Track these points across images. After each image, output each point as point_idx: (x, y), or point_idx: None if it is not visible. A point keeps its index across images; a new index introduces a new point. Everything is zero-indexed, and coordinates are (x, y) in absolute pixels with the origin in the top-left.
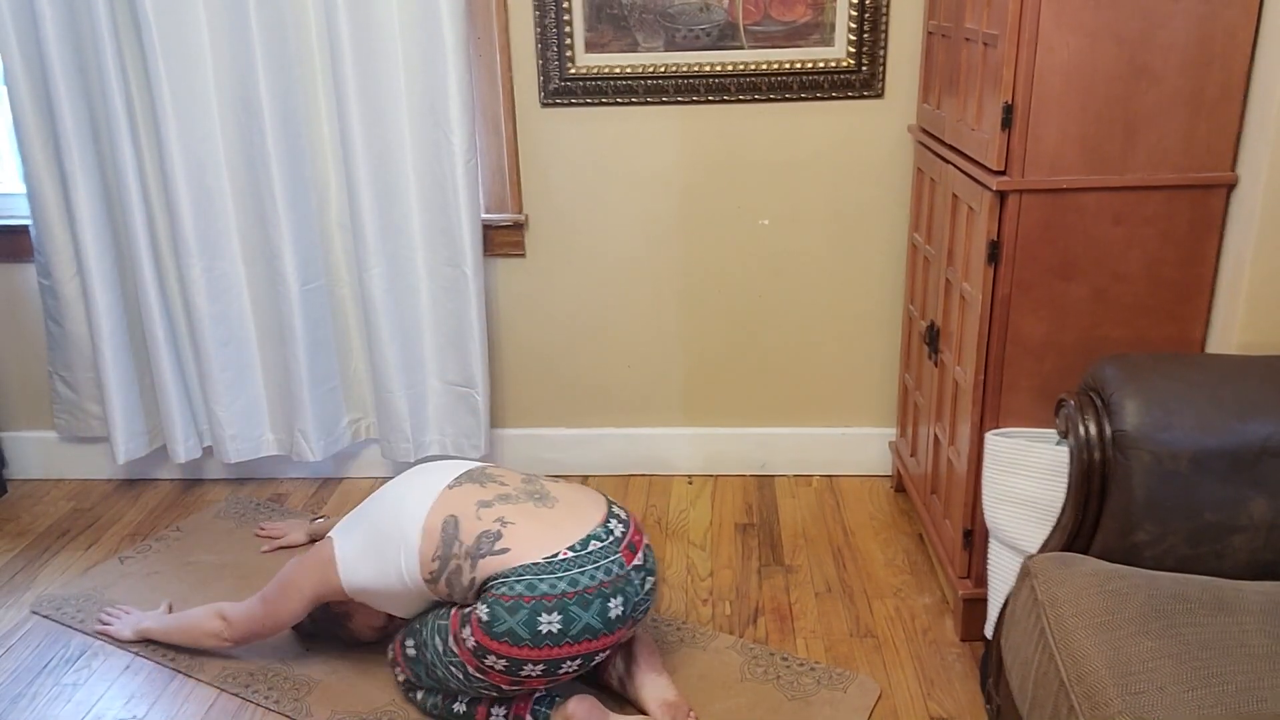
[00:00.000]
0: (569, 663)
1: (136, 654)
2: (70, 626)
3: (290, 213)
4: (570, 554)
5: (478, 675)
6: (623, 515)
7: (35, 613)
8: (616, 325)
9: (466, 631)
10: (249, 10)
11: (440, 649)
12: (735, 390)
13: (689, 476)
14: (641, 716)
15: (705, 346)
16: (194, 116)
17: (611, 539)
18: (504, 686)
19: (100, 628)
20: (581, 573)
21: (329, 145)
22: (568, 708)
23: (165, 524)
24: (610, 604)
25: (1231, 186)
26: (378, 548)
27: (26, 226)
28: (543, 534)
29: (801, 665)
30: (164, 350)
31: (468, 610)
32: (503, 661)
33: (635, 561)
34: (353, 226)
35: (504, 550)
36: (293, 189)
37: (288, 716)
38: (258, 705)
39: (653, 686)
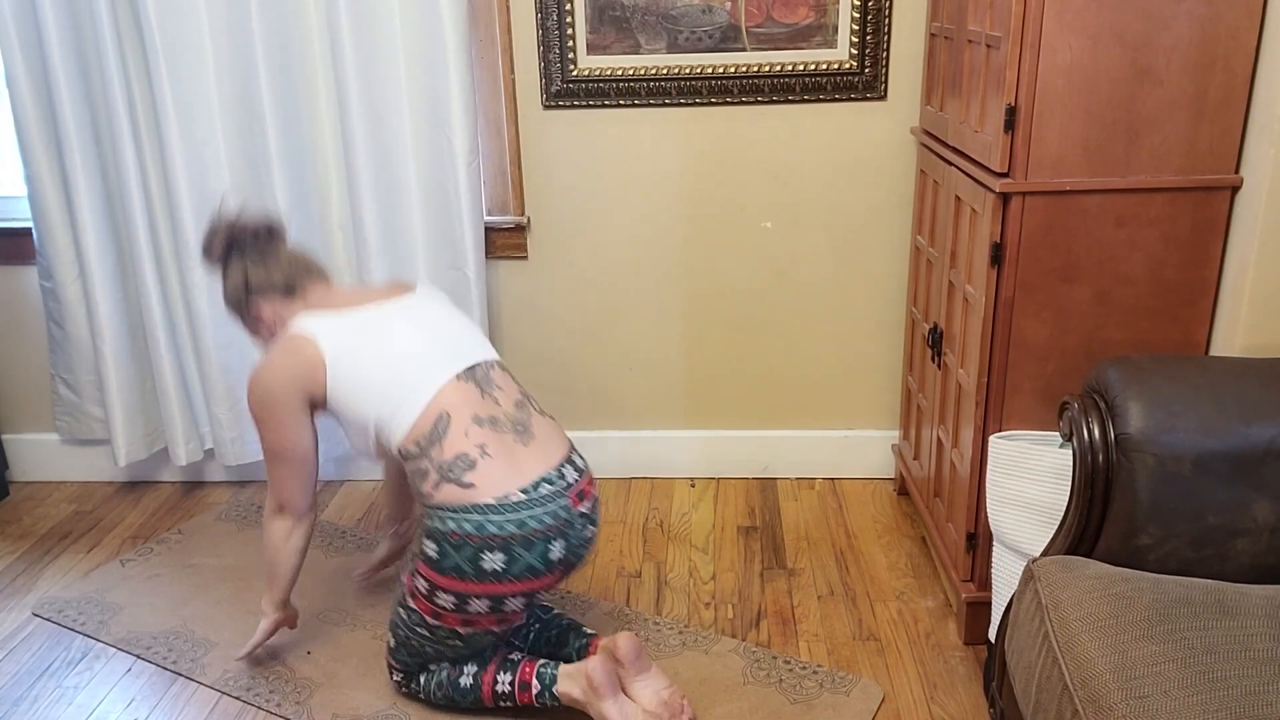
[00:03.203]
0: (512, 599)
1: (138, 657)
2: (72, 629)
3: (292, 215)
4: (522, 496)
5: (435, 623)
6: (579, 463)
7: (37, 615)
8: (619, 328)
9: (419, 580)
10: (250, 12)
11: (405, 617)
12: (737, 393)
13: (691, 479)
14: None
15: (707, 349)
16: (195, 119)
17: (563, 483)
18: (460, 630)
19: (247, 652)
20: (530, 516)
21: (330, 147)
22: (588, 666)
23: (167, 526)
24: (552, 546)
25: (1235, 189)
26: (374, 379)
27: (28, 229)
28: (506, 473)
29: (804, 668)
30: (165, 352)
31: (415, 560)
32: (451, 597)
33: (581, 508)
34: (354, 229)
35: (469, 485)
36: (294, 191)
37: (289, 719)
38: (259, 708)
39: (644, 686)
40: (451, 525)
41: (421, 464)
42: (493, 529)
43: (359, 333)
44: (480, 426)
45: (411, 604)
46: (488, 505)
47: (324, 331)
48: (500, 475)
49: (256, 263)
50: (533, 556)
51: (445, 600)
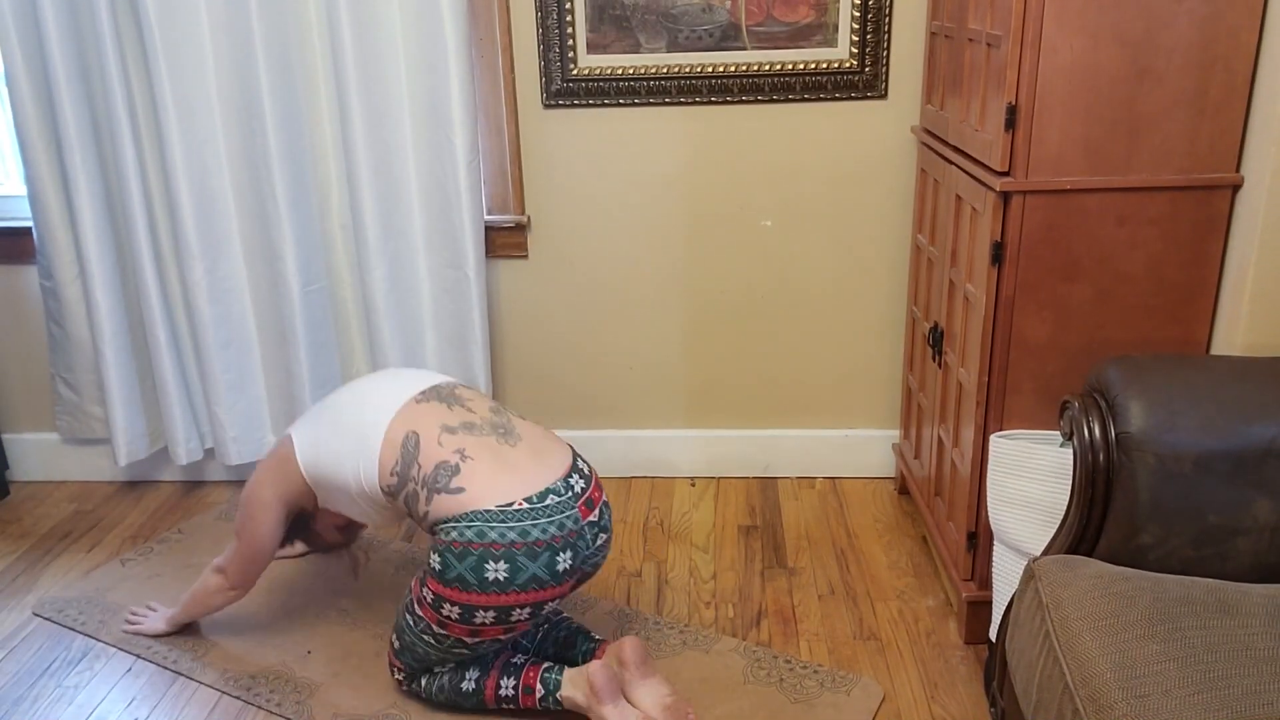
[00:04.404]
0: (519, 610)
1: (138, 656)
2: (72, 629)
3: (292, 214)
4: (525, 505)
5: (441, 632)
6: (585, 470)
7: (37, 615)
8: (619, 327)
9: (425, 590)
10: (250, 12)
11: (411, 623)
12: (738, 392)
13: (692, 479)
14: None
15: (708, 348)
16: (196, 118)
17: (570, 494)
18: (467, 640)
19: (132, 628)
20: (534, 525)
21: (331, 146)
22: (589, 670)
23: (167, 526)
24: (559, 557)
25: (1236, 187)
26: (338, 441)
27: (28, 228)
28: (500, 477)
29: (805, 668)
30: (165, 352)
31: (423, 572)
32: (457, 609)
33: (590, 518)
34: (354, 228)
35: (459, 490)
36: (294, 190)
37: (289, 719)
38: (259, 708)
39: (648, 692)
40: (454, 535)
41: (408, 489)
42: (494, 535)
43: (318, 415)
44: (454, 434)
45: (419, 611)
46: (487, 512)
47: (296, 428)
48: (492, 478)
49: None
50: (538, 567)
51: (451, 611)
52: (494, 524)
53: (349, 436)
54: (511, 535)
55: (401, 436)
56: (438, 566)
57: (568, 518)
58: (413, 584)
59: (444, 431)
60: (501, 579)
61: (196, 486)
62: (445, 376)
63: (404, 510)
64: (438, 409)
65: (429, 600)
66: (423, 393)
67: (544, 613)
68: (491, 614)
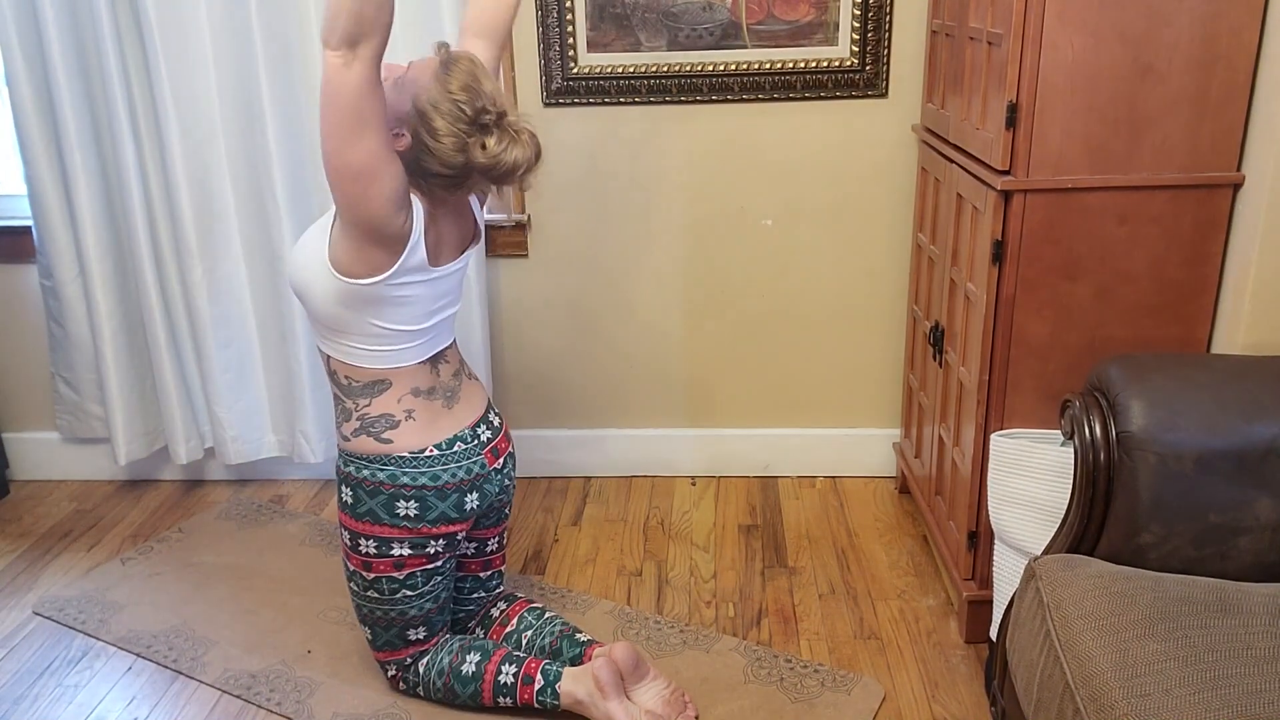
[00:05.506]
0: (434, 542)
1: (138, 655)
2: (72, 628)
3: (292, 214)
4: (435, 452)
5: (373, 577)
6: (495, 423)
7: (37, 614)
8: (619, 326)
9: (344, 534)
10: (250, 11)
11: (355, 589)
12: (738, 391)
13: (692, 478)
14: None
15: (708, 347)
16: (196, 118)
17: (476, 442)
18: (399, 577)
19: None
20: (444, 469)
21: None
22: (594, 666)
23: (167, 525)
24: (467, 498)
25: (1237, 186)
26: (395, 316)
27: (28, 227)
28: (424, 432)
29: (805, 667)
30: (165, 351)
31: (340, 523)
32: (372, 542)
33: (495, 465)
34: None
35: (387, 440)
36: (294, 190)
37: (289, 718)
38: (259, 707)
39: (646, 692)
40: (366, 474)
41: (346, 404)
42: (405, 479)
43: (426, 265)
44: (416, 397)
45: (350, 566)
46: (401, 458)
47: (419, 229)
48: (418, 434)
49: (458, 144)
50: (447, 506)
51: (368, 546)
52: (406, 469)
53: (392, 330)
54: (423, 479)
55: (383, 377)
56: (349, 500)
57: (474, 463)
58: (341, 555)
59: (410, 393)
60: (412, 515)
61: (196, 486)
62: (452, 327)
63: (327, 371)
64: (424, 371)
65: (348, 543)
66: (433, 355)
67: (457, 546)
68: (407, 546)
